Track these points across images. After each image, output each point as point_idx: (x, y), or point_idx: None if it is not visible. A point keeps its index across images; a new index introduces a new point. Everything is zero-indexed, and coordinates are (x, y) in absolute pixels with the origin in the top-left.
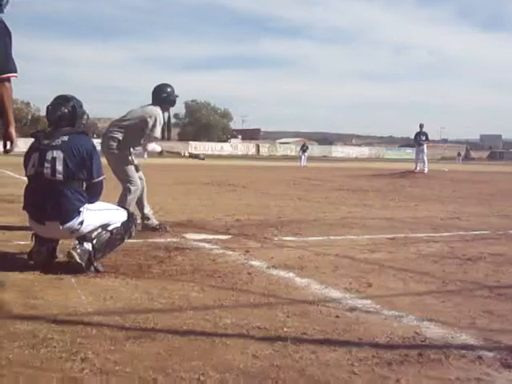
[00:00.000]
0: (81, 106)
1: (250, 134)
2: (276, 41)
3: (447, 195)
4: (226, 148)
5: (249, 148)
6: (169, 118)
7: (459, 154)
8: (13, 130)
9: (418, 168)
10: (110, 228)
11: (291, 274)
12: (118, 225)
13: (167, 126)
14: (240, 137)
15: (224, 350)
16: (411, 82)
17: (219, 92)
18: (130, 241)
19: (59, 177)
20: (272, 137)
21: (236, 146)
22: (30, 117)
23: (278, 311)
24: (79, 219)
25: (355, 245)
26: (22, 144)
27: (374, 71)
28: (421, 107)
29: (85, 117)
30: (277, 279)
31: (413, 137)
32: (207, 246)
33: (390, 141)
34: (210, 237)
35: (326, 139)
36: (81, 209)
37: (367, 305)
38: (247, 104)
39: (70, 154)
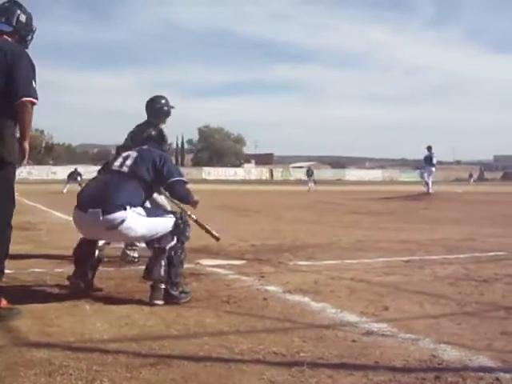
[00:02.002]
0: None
1: (263, 159)
2: (287, 66)
3: (461, 217)
4: (239, 173)
5: (262, 173)
6: (182, 143)
7: (471, 176)
8: (26, 145)
9: (430, 190)
10: (167, 254)
11: (307, 299)
12: (171, 243)
13: (180, 152)
14: (253, 162)
15: (240, 376)
16: (423, 103)
17: (232, 117)
18: (144, 267)
19: (124, 169)
20: (285, 161)
21: (249, 171)
22: (43, 144)
23: (294, 336)
24: (121, 216)
25: (370, 268)
26: (37, 172)
27: (385, 94)
28: (433, 129)
29: (169, 143)
30: (292, 304)
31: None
32: (222, 271)
33: (402, 163)
34: (225, 262)
35: (338, 162)
36: (127, 207)
37: (383, 328)
38: (260, 129)
39: (143, 155)
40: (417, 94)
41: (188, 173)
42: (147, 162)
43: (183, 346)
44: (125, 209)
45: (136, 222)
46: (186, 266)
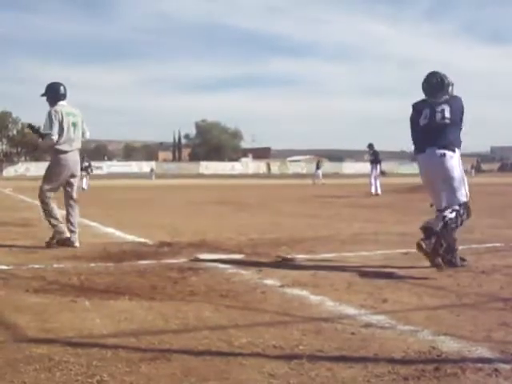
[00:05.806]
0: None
1: (260, 153)
2: (284, 59)
3: None
4: (237, 167)
5: (260, 167)
6: (179, 138)
7: (472, 167)
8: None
9: (373, 190)
10: (445, 219)
11: (305, 292)
12: (452, 215)
13: (177, 147)
14: (251, 156)
15: (240, 370)
16: (420, 95)
17: (229, 112)
18: (143, 262)
19: (447, 121)
20: (282, 155)
21: (247, 165)
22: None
23: (293, 329)
24: (452, 155)
25: (369, 261)
26: (34, 168)
27: (382, 86)
28: None
29: (450, 87)
30: (291, 297)
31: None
32: (221, 265)
33: (401, 156)
34: (224, 256)
35: (336, 156)
36: (455, 149)
37: (382, 320)
38: (257, 123)
39: (453, 106)
40: (414, 86)
41: (185, 167)
42: (456, 112)
43: (182, 341)
44: (453, 151)
45: (457, 166)
46: (183, 260)
